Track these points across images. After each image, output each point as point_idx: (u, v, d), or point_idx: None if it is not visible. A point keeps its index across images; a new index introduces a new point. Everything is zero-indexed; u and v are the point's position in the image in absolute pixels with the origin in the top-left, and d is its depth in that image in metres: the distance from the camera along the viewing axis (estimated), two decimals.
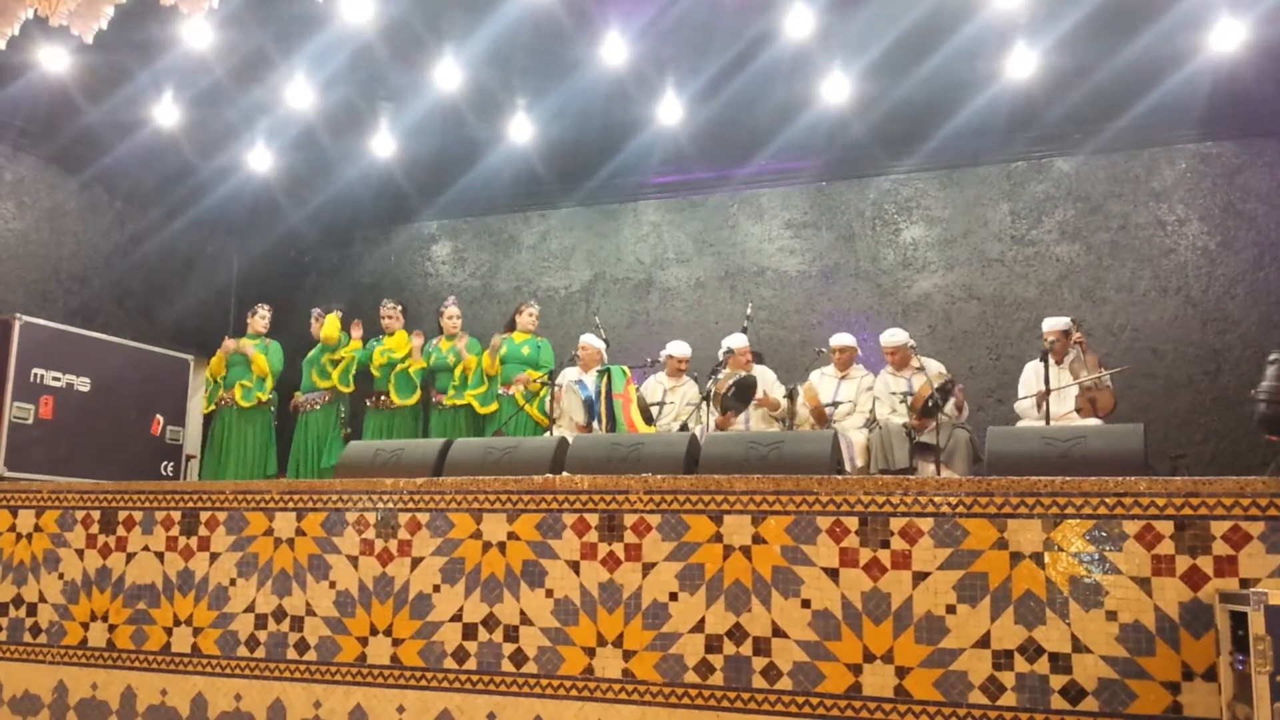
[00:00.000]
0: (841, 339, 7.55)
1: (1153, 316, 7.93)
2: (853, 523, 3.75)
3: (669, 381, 7.71)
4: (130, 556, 4.84)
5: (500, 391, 7.96)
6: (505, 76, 7.91)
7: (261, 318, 8.47)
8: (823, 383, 7.41)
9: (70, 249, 9.03)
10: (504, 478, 4.34)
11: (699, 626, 3.87)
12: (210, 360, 8.38)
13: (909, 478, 3.91)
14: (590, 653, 3.99)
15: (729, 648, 3.81)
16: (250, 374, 8.18)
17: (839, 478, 3.90)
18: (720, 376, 6.97)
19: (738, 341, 7.50)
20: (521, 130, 8.52)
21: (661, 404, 7.55)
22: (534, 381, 7.65)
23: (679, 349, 7.75)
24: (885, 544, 3.70)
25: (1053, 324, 7.00)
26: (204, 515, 4.74)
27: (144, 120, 8.37)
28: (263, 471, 8.15)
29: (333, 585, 4.44)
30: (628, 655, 3.94)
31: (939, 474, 6.35)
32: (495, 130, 8.62)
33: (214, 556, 4.68)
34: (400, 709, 4.22)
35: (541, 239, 9.81)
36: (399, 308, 8.50)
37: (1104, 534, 3.49)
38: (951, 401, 6.78)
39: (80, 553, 4.94)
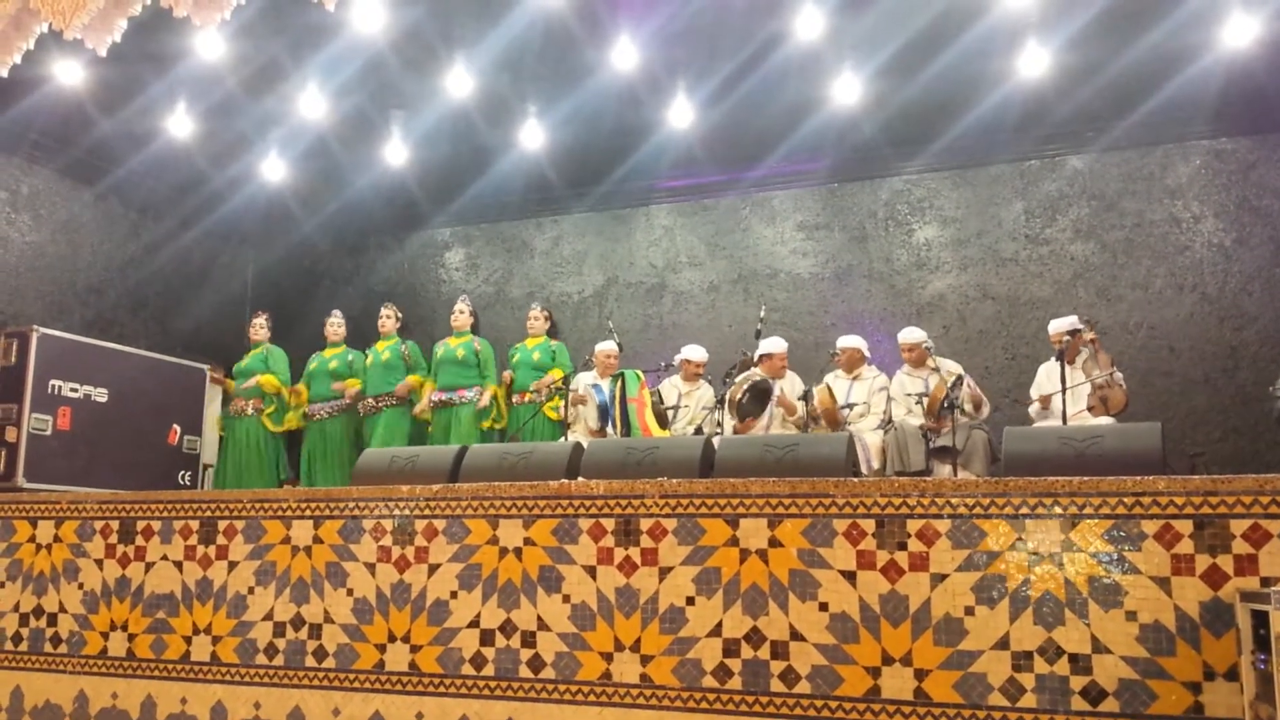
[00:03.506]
0: (845, 341, 7.54)
1: (1169, 314, 7.89)
2: (869, 525, 3.74)
3: (685, 386, 7.71)
4: (149, 566, 4.87)
5: (515, 400, 7.97)
6: (516, 83, 7.93)
7: (259, 326, 8.48)
8: (834, 385, 7.39)
9: (86, 260, 9.08)
10: (520, 483, 4.35)
11: (716, 630, 3.86)
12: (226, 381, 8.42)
13: (925, 479, 3.90)
14: (608, 658, 3.99)
15: (747, 651, 3.81)
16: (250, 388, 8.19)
17: (855, 480, 3.90)
18: (736, 381, 6.96)
19: (777, 346, 7.51)
20: (533, 136, 8.54)
21: (677, 408, 7.55)
22: (556, 383, 7.62)
23: (695, 353, 7.75)
24: (902, 546, 3.69)
25: (1057, 326, 6.98)
26: (222, 524, 4.76)
27: (158, 131, 8.42)
28: (275, 478, 8.16)
29: (350, 593, 4.45)
30: (645, 660, 3.94)
31: (955, 475, 6.34)
32: (507, 136, 8.64)
33: (232, 565, 4.70)
34: (419, 715, 4.23)
35: (554, 244, 9.83)
36: (396, 310, 8.48)
37: (1123, 534, 3.47)
38: (965, 393, 6.76)
39: (99, 563, 4.97)
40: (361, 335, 8.67)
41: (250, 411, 8.15)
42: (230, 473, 8.11)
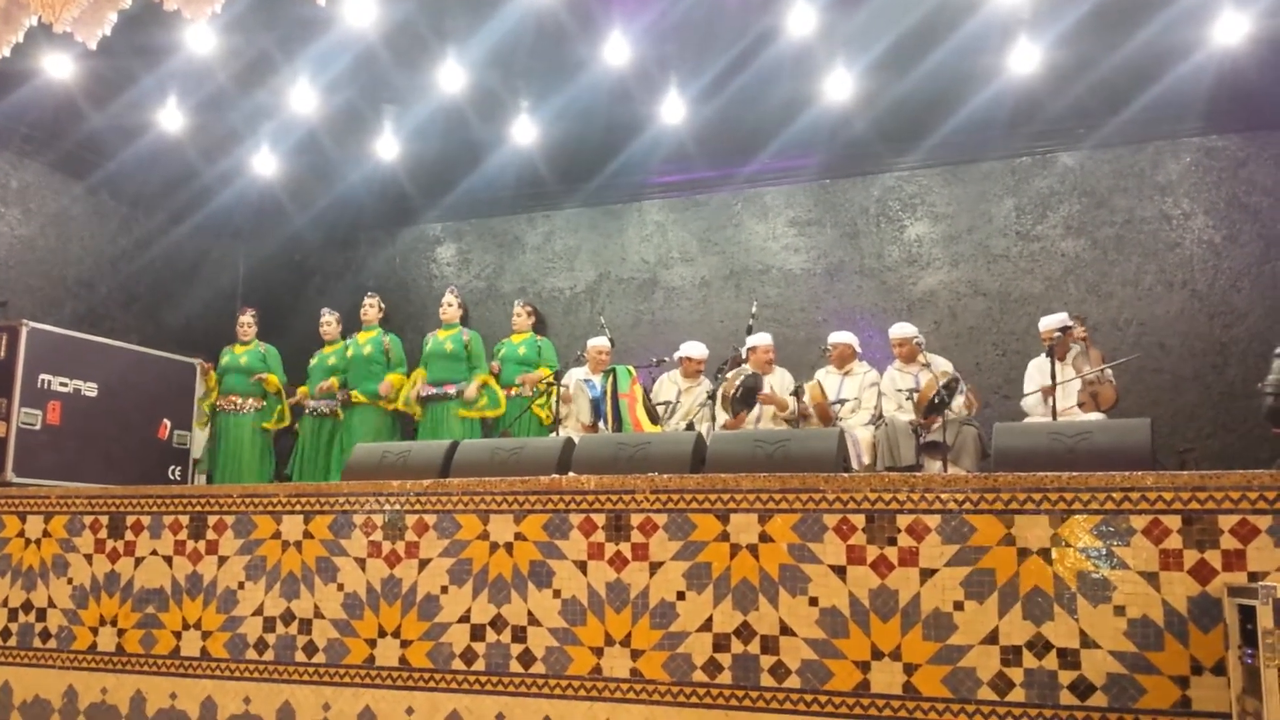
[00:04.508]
0: (836, 336, 7.56)
1: (1159, 311, 7.92)
2: (859, 520, 3.75)
3: (684, 382, 7.70)
4: (139, 561, 4.85)
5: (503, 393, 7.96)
6: (508, 78, 7.92)
7: (246, 325, 8.38)
8: (826, 380, 7.41)
9: (76, 254, 9.05)
10: (511, 479, 4.34)
11: (706, 625, 3.87)
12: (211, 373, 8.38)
13: (916, 475, 3.91)
14: (598, 653, 4.00)
15: (737, 646, 3.81)
16: (252, 384, 8.18)
17: (845, 475, 3.90)
18: (728, 377, 6.96)
19: (762, 340, 7.51)
20: (525, 131, 8.53)
21: (675, 404, 7.53)
22: (542, 381, 7.60)
23: (695, 350, 7.73)
24: (892, 541, 3.70)
25: (1048, 323, 6.99)
26: (212, 519, 4.75)
27: (148, 125, 8.40)
28: (262, 474, 8.14)
29: (340, 587, 4.45)
30: (635, 655, 3.94)
31: (945, 470, 6.35)
32: (498, 131, 8.63)
33: (222, 560, 4.69)
34: (409, 710, 4.22)
35: (546, 239, 9.82)
36: (379, 301, 8.46)
37: (1111, 529, 3.48)
38: (960, 400, 6.78)
39: (89, 557, 4.95)
40: (354, 330, 8.66)
41: (248, 409, 8.13)
42: (227, 468, 8.09)
